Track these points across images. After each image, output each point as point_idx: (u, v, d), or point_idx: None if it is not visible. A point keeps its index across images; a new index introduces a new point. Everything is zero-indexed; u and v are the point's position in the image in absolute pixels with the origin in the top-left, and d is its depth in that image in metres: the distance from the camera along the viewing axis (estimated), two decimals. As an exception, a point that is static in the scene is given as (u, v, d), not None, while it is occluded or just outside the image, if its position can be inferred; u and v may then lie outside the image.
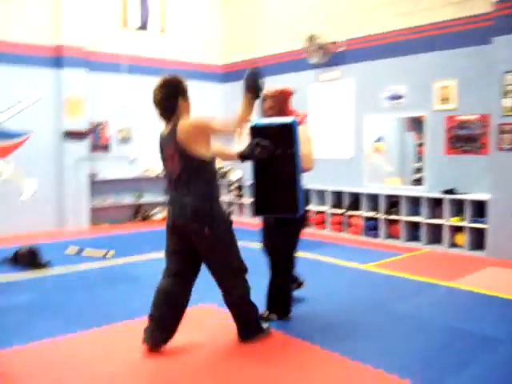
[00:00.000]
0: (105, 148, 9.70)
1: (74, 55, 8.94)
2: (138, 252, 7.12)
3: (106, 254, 6.96)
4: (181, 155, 3.47)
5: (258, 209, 4.14)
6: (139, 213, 10.09)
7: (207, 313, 4.55)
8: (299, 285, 4.81)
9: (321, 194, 8.73)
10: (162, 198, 10.28)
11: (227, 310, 3.88)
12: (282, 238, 4.23)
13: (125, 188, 9.91)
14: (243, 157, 3.86)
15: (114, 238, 8.56)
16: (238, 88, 9.98)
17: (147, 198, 10.16)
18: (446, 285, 5.42)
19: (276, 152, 3.87)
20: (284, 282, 4.27)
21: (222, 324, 4.18)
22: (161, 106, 3.58)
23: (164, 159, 3.63)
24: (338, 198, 8.52)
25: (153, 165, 10.02)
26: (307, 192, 4.35)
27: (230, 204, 10.53)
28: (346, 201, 8.35)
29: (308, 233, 8.46)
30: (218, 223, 3.53)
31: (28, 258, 6.26)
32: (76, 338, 3.95)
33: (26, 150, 8.42)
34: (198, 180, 3.51)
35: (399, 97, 7.87)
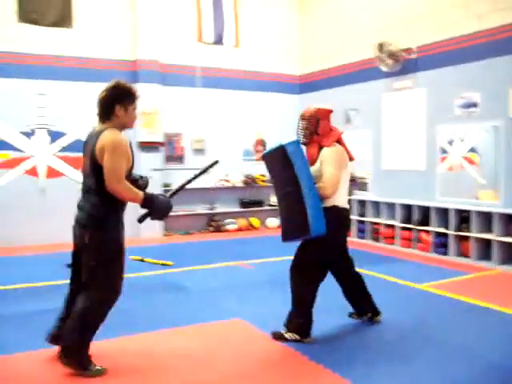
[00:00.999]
0: (179, 159, 9.99)
1: (149, 68, 9.33)
2: (198, 262, 7.22)
3: (164, 263, 7.16)
4: (91, 158, 3.45)
5: (282, 235, 4.15)
6: (212, 222, 10.26)
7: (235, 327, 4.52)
8: (374, 315, 4.55)
9: (391, 207, 8.35)
10: (235, 208, 10.41)
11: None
12: (305, 252, 4.17)
13: (198, 198, 10.13)
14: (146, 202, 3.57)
15: (183, 246, 8.78)
16: (314, 99, 10.03)
17: (220, 209, 10.31)
18: None
19: (275, 175, 4.14)
20: (299, 292, 4.14)
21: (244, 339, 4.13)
22: (99, 107, 3.56)
23: (83, 155, 3.61)
24: (408, 212, 8.11)
25: (226, 175, 10.19)
26: (339, 210, 4.14)
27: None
28: (416, 215, 7.92)
29: (377, 247, 8.26)
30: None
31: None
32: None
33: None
34: (94, 193, 3.48)
35: (473, 105, 7.34)
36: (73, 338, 3.45)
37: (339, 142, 4.23)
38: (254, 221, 10.43)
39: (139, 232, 9.32)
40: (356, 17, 9.52)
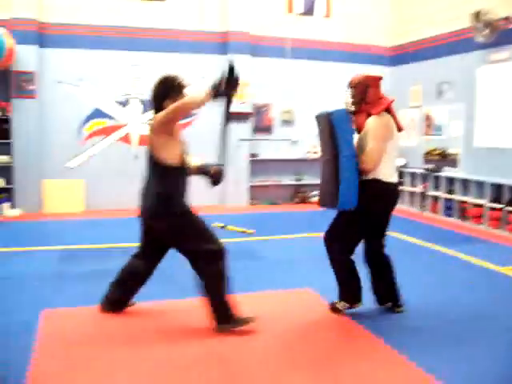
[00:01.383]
0: (267, 130, 10.12)
1: (239, 40, 9.47)
2: (280, 232, 7.37)
3: (245, 231, 7.37)
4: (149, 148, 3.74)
5: (320, 201, 4.19)
6: (298, 194, 10.35)
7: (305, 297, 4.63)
8: (397, 307, 4.30)
9: (480, 185, 7.99)
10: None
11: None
12: (336, 227, 4.18)
13: (285, 169, 10.24)
14: (215, 92, 3.53)
15: (267, 216, 8.97)
16: (406, 71, 9.73)
17: (307, 180, 10.36)
18: None
19: (322, 140, 4.03)
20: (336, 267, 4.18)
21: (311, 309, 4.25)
22: (152, 103, 3.76)
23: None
24: (498, 191, 7.72)
25: (314, 147, 10.18)
26: (379, 183, 3.97)
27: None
28: (507, 195, 7.53)
29: (464, 227, 7.97)
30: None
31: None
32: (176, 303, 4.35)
33: (193, 130, 9.19)
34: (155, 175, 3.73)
35: None
36: None
37: (389, 110, 4.02)
38: (339, 194, 10.38)
39: (225, 200, 9.63)
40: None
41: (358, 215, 3.95)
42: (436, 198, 8.92)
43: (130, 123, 9.31)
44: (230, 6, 9.44)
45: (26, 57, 8.47)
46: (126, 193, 9.13)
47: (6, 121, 8.57)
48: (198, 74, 9.09)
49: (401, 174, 9.88)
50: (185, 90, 3.75)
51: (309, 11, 10.01)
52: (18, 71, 8.47)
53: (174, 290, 4.74)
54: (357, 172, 3.86)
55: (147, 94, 9.20)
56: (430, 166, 9.22)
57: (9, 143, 8.59)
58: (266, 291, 4.76)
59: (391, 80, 10.71)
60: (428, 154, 9.62)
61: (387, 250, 4.25)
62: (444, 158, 9.20)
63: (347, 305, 4.16)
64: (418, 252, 6.43)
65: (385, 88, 10.25)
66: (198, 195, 9.14)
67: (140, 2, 9.10)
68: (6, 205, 8.55)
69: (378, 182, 3.96)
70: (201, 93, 3.51)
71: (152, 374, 3.17)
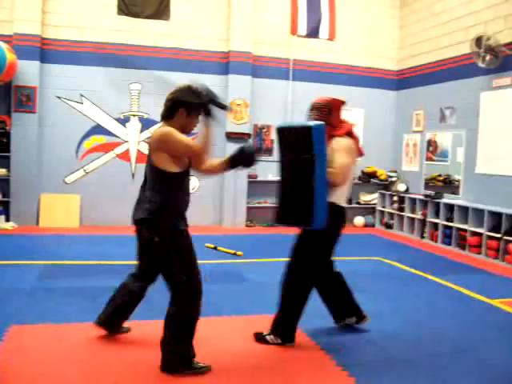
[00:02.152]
0: (268, 151, 10.04)
1: (241, 60, 9.46)
2: (270, 255, 7.20)
3: (235, 252, 7.25)
4: (148, 159, 3.50)
5: (278, 216, 3.98)
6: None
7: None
8: (360, 318, 4.30)
9: (479, 213, 7.78)
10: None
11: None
12: (302, 247, 4.01)
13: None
14: (232, 162, 3.60)
15: (261, 238, 8.85)
16: (411, 95, 9.61)
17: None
18: None
19: (293, 156, 3.82)
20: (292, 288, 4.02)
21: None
22: (164, 107, 3.52)
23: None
24: (498, 220, 7.50)
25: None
26: (339, 208, 3.97)
27: (391, 216, 10.03)
28: (506, 224, 7.32)
29: (462, 255, 7.76)
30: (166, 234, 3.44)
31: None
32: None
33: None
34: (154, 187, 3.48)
35: None
36: None
37: (351, 134, 4.02)
38: (339, 218, 10.22)
39: (222, 221, 9.54)
40: (453, 10, 8.95)
41: (325, 237, 3.91)
42: (436, 225, 8.72)
43: (129, 140, 9.31)
44: (233, 26, 9.44)
45: (28, 72, 8.55)
46: (123, 210, 9.11)
47: (6, 134, 8.62)
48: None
49: (402, 200, 9.72)
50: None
51: (313, 33, 9.98)
52: (19, 85, 8.54)
53: (146, 311, 4.63)
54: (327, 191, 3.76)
55: (147, 112, 9.27)
56: (430, 193, 9.04)
57: (8, 156, 8.63)
58: (232, 316, 4.65)
59: (396, 104, 10.64)
60: (432, 179, 9.45)
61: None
62: (449, 184, 9.01)
63: (280, 341, 3.97)
64: (409, 280, 6.24)
65: (390, 112, 10.35)
66: (196, 216, 9.21)
67: (143, 21, 9.16)
68: (1, 217, 8.56)
69: (335, 205, 3.91)
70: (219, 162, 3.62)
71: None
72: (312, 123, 3.75)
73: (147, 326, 4.21)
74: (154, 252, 3.52)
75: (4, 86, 8.42)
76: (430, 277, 6.33)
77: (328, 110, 3.98)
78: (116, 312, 3.96)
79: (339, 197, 3.95)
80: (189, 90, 3.49)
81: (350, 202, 10.39)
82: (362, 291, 5.21)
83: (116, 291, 3.98)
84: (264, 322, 4.21)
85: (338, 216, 3.96)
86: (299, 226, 3.94)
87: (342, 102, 4.10)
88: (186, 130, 3.50)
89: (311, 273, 4.03)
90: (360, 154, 4.09)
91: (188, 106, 3.43)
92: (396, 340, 4.16)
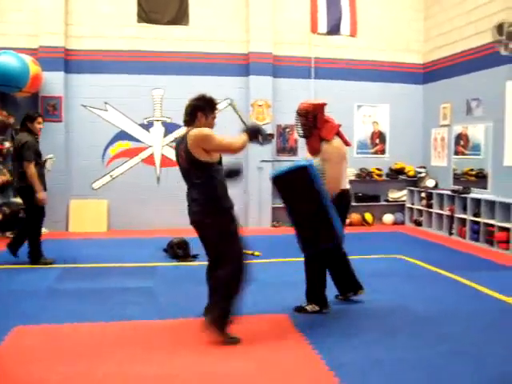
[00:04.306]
0: (292, 151, 10.00)
1: (261, 61, 9.47)
2: (288, 255, 7.12)
3: (253, 253, 7.23)
4: (187, 156, 3.98)
5: (303, 247, 4.49)
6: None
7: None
8: (357, 289, 4.96)
9: (506, 207, 7.48)
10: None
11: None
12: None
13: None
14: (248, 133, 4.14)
15: (284, 238, 8.75)
16: (438, 88, 9.36)
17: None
18: None
19: (295, 196, 4.36)
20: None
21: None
22: (185, 114, 4.16)
23: (177, 157, 4.17)
24: (526, 214, 7.22)
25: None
26: (344, 192, 4.58)
27: (420, 213, 9.79)
28: (534, 218, 7.02)
29: (491, 252, 7.46)
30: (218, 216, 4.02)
31: (176, 249, 6.94)
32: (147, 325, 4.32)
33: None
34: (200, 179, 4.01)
35: None
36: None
37: (338, 133, 4.58)
38: (368, 216, 10.07)
39: (247, 221, 9.56)
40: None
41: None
42: (464, 221, 8.44)
43: (154, 145, 9.48)
44: (252, 28, 9.46)
45: (53, 82, 8.85)
46: (149, 214, 9.31)
47: (35, 143, 8.93)
48: (221, 96, 9.13)
49: (430, 196, 9.46)
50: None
51: (334, 30, 9.88)
52: (46, 96, 8.86)
53: (152, 311, 4.72)
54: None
55: (170, 117, 9.42)
56: (458, 188, 8.77)
57: (37, 165, 8.94)
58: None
59: (423, 98, 10.39)
60: (464, 174, 9.15)
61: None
62: (482, 179, 8.68)
63: (317, 308, 4.62)
64: (425, 278, 6.05)
65: (417, 107, 10.09)
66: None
67: (163, 27, 9.32)
68: (33, 224, 8.87)
69: (343, 191, 4.56)
70: (240, 139, 4.09)
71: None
72: (304, 162, 4.27)
73: (153, 326, 4.34)
74: (211, 234, 4.08)
75: (31, 97, 8.76)
76: (446, 273, 6.13)
77: (313, 116, 4.51)
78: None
79: (343, 183, 4.55)
80: (203, 97, 4.14)
81: (378, 198, 10.25)
82: (373, 290, 5.15)
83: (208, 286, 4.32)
84: (261, 321, 4.28)
85: (345, 198, 4.62)
86: (324, 246, 4.44)
87: (324, 104, 4.61)
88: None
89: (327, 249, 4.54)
90: (347, 145, 4.68)
91: (204, 110, 4.07)
92: (393, 339, 4.06)
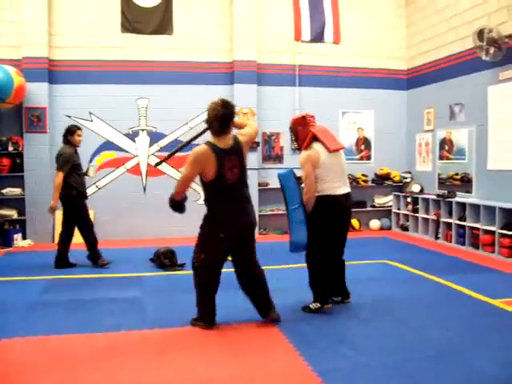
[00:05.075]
0: (278, 158, 10.03)
1: (246, 70, 9.50)
2: (276, 262, 7.07)
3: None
4: (241, 166, 4.33)
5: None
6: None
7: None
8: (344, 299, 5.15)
9: (491, 210, 7.55)
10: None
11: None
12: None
13: (297, 197, 10.06)
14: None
15: (272, 245, 8.75)
16: (422, 94, 9.45)
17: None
18: None
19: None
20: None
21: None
22: (230, 122, 4.39)
23: (223, 170, 4.25)
24: (510, 217, 7.27)
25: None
26: (323, 198, 4.76)
27: (406, 218, 9.85)
28: (518, 220, 7.09)
29: (475, 255, 7.53)
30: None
31: (163, 259, 6.91)
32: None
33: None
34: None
35: None
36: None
37: (316, 138, 4.76)
38: (354, 222, 10.11)
39: (235, 230, 9.53)
40: (457, 4, 8.80)
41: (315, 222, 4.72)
42: (449, 225, 8.51)
43: (139, 155, 9.45)
44: (237, 36, 9.50)
45: (37, 93, 8.80)
46: (136, 223, 9.26)
47: (19, 155, 8.89)
48: (206, 106, 9.13)
49: (415, 201, 9.53)
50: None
51: (317, 38, 9.95)
52: (30, 107, 8.81)
53: (140, 321, 4.69)
54: (304, 218, 4.67)
55: (156, 126, 9.40)
56: (443, 192, 8.84)
57: (22, 176, 8.88)
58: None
59: (407, 103, 10.48)
60: (449, 178, 9.22)
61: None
62: (467, 183, 8.74)
63: (319, 304, 4.82)
64: (408, 281, 6.09)
65: (401, 112, 10.16)
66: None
67: (147, 37, 9.32)
68: (18, 236, 8.80)
69: (322, 197, 4.74)
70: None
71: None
72: (281, 172, 4.80)
73: (141, 335, 4.30)
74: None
75: (15, 108, 8.71)
76: (430, 277, 6.18)
77: (295, 130, 4.89)
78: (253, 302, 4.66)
79: (325, 190, 4.72)
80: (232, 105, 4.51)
81: (364, 204, 10.29)
82: (359, 295, 5.18)
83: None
84: (250, 329, 4.27)
85: (325, 204, 4.72)
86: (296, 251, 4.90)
87: (303, 117, 4.89)
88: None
89: (317, 251, 4.81)
90: (328, 149, 4.75)
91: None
92: (380, 344, 4.07)
